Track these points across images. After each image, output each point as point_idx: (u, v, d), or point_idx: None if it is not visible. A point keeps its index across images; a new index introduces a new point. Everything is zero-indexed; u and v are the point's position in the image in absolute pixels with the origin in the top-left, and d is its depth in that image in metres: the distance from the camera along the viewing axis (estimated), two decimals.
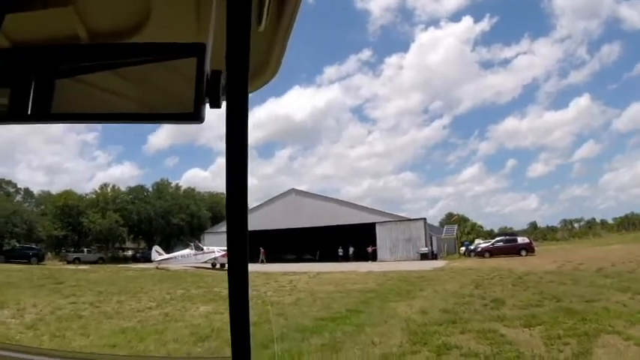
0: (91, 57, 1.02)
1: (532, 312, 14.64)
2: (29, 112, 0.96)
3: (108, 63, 1.00)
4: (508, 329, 12.43)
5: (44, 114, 0.97)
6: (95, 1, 1.27)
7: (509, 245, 48.77)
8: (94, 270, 39.18)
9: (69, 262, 52.76)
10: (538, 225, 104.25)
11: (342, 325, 12.87)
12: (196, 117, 0.89)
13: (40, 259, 50.68)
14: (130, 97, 1.02)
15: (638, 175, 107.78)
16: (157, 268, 41.52)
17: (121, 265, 48.66)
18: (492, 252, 47.96)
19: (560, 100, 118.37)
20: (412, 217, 59.00)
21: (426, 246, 54.56)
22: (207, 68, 0.91)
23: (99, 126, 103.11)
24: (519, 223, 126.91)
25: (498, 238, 53.97)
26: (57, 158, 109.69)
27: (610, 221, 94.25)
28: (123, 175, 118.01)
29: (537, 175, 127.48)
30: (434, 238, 58.24)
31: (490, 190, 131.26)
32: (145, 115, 1.01)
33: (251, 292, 0.98)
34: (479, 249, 51.98)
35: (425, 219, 58.73)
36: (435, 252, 55.26)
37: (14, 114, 0.98)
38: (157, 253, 46.23)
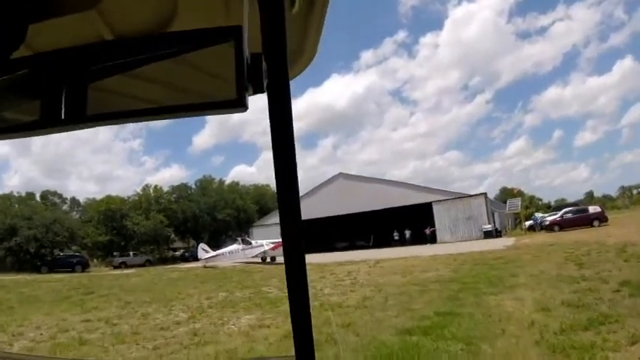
0: (123, 53, 0.96)
1: None
2: (62, 118, 0.91)
3: (141, 58, 0.94)
4: None
5: (79, 118, 0.93)
6: (118, 1, 1.14)
7: (581, 216, 45.15)
8: (137, 274, 36.75)
9: (115, 267, 51.14)
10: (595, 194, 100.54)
11: (442, 340, 8.50)
12: (240, 104, 0.84)
13: (85, 266, 49.03)
14: (167, 91, 1.01)
15: None
16: (205, 266, 39.18)
17: (168, 267, 46.46)
18: (562, 224, 44.41)
19: (602, 65, 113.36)
20: (472, 194, 54.38)
21: (489, 223, 49.87)
22: (246, 52, 0.86)
23: (144, 132, 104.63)
24: (571, 194, 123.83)
25: (566, 210, 49.74)
26: (106, 167, 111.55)
27: None
28: (172, 177, 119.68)
29: (585, 143, 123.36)
30: (496, 214, 53.47)
31: (538, 163, 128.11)
32: (185, 106, 0.94)
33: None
34: (546, 222, 48.33)
35: (486, 194, 54.34)
36: (498, 229, 50.48)
37: (47, 122, 0.93)
38: (204, 251, 43.62)
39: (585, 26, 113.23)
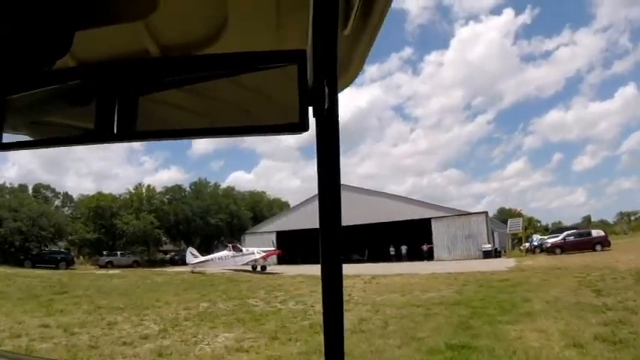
0: (181, 69, 0.97)
1: None
2: (115, 132, 0.91)
3: (198, 75, 0.95)
4: None
5: (131, 132, 0.94)
6: (165, 16, 1.13)
7: (583, 239, 43.85)
8: (121, 275, 35.02)
9: (101, 267, 49.35)
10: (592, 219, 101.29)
11: None
12: (302, 127, 0.85)
13: (69, 263, 47.63)
14: (225, 110, 1.03)
15: None
16: (192, 271, 37.62)
17: (155, 269, 44.93)
18: (564, 247, 43.14)
19: (604, 91, 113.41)
20: (472, 211, 52.70)
21: (489, 242, 48.27)
22: (309, 76, 0.87)
23: None
24: (566, 218, 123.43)
25: (569, 232, 48.01)
26: (105, 164, 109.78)
27: None
28: (170, 179, 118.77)
29: (584, 168, 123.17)
30: (495, 234, 51.83)
31: (536, 185, 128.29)
32: (245, 127, 0.96)
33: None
34: (547, 244, 47.12)
35: (487, 212, 52.59)
36: (498, 249, 48.88)
37: (101, 134, 0.93)
38: (192, 256, 42.01)
39: (590, 52, 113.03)
